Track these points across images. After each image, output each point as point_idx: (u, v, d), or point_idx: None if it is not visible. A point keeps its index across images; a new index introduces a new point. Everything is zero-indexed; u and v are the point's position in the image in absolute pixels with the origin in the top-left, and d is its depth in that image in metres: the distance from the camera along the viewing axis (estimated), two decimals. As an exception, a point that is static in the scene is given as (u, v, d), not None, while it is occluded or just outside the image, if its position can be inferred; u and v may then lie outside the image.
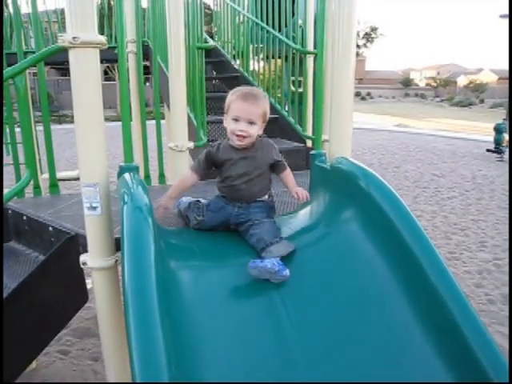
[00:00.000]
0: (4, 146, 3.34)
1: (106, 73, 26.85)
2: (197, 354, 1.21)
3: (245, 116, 1.60)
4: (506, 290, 3.90)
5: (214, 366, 1.21)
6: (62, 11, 5.45)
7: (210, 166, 1.74)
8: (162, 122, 3.22)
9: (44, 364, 2.86)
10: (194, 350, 1.21)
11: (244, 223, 1.65)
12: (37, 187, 2.45)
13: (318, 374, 1.23)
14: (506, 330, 3.23)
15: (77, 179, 2.78)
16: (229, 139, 1.70)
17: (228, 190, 1.72)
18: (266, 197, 1.76)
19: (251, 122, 1.61)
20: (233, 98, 1.63)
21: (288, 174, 1.79)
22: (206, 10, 17.26)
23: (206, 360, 1.21)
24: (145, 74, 3.22)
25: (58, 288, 1.93)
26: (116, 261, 1.66)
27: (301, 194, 1.71)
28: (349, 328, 1.34)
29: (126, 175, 1.58)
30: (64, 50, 1.51)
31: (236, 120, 1.61)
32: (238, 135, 1.62)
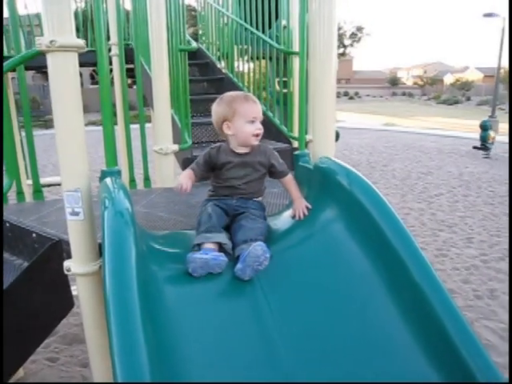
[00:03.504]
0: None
1: (92, 77, 26.66)
2: (180, 355, 1.21)
3: (258, 115, 1.70)
4: (493, 285, 3.94)
5: (197, 366, 1.20)
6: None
7: (209, 168, 1.77)
8: (148, 125, 3.21)
9: (32, 372, 2.83)
10: (176, 351, 1.21)
11: (241, 214, 1.69)
12: (20, 193, 2.42)
13: (303, 373, 1.23)
14: (493, 325, 3.26)
15: (60, 184, 2.77)
16: (229, 143, 1.74)
17: (227, 189, 1.75)
18: (261, 198, 1.82)
19: (260, 121, 1.72)
20: (237, 103, 1.67)
21: (288, 181, 1.83)
22: (192, 12, 17.27)
23: (190, 360, 1.21)
24: (131, 76, 3.20)
25: (43, 294, 1.91)
26: (100, 266, 1.65)
27: (297, 213, 1.73)
28: (333, 326, 1.34)
29: (108, 180, 1.57)
30: (42, 54, 1.50)
31: (252, 122, 1.68)
32: (256, 135, 1.69)
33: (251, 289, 1.44)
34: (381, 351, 1.28)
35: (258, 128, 1.69)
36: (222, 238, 1.56)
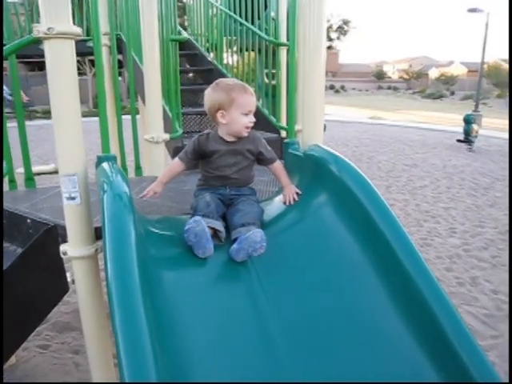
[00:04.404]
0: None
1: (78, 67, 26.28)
2: (179, 341, 1.22)
3: (253, 108, 1.72)
4: (475, 272, 4.06)
5: (196, 354, 1.22)
6: (29, 3, 5.33)
7: (197, 156, 1.78)
8: (137, 116, 3.23)
9: (24, 359, 2.85)
10: (176, 336, 1.23)
11: (237, 199, 1.73)
12: (12, 181, 2.43)
13: (299, 362, 1.25)
14: (474, 310, 3.38)
15: (51, 173, 2.78)
16: (218, 131, 1.75)
17: (218, 179, 1.76)
18: (251, 185, 1.86)
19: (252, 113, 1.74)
20: (236, 93, 1.66)
21: (276, 168, 1.87)
22: (179, 3, 17.13)
23: (189, 347, 1.22)
24: (119, 67, 3.21)
25: (38, 280, 1.94)
26: (96, 249, 1.69)
27: (288, 198, 1.78)
28: (326, 312, 1.38)
29: (105, 164, 1.60)
30: (38, 42, 1.52)
31: (247, 114, 1.70)
32: (248, 127, 1.72)
33: (246, 273, 1.47)
34: (373, 336, 1.31)
35: (251, 121, 1.72)
36: (219, 225, 1.59)
